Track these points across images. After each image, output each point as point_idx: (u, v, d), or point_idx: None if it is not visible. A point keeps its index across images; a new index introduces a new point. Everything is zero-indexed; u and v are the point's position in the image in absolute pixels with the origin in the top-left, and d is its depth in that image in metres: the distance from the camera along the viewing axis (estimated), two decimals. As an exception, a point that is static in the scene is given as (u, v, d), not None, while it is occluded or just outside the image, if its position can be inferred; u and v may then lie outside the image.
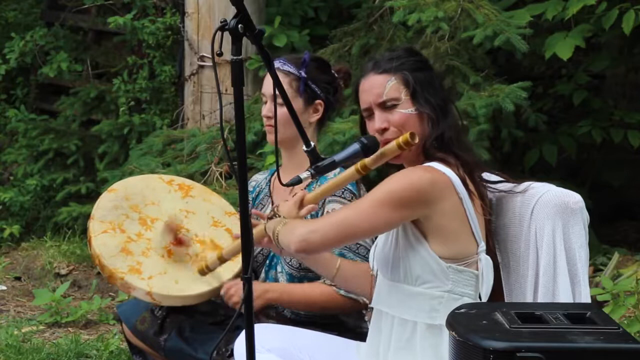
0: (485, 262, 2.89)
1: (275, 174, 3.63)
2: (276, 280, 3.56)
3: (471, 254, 2.87)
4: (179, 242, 3.62)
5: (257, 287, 3.47)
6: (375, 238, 3.10)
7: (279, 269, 3.56)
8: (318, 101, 3.55)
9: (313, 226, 2.87)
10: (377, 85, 2.93)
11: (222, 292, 3.51)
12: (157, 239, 3.62)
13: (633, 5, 5.37)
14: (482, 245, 2.89)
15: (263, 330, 3.03)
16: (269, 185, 3.69)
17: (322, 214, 3.44)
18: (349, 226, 2.82)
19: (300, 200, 3.03)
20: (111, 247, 3.53)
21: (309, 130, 3.52)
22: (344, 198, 3.45)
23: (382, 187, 2.83)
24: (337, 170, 3.44)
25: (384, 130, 2.92)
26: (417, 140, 2.84)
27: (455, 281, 2.85)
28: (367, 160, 2.93)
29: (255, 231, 3.06)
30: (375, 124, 2.93)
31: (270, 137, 3.52)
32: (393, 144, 2.87)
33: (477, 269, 2.88)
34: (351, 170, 2.98)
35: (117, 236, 3.57)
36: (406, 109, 2.90)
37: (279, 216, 3.04)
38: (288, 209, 3.04)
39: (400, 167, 2.99)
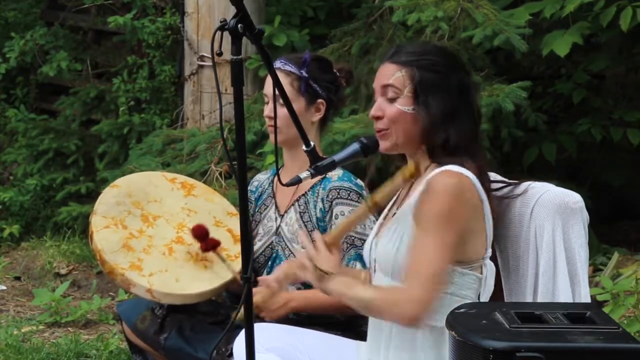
0: (489, 268, 2.88)
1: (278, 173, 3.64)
2: (277, 281, 3.56)
3: (478, 259, 2.85)
4: (210, 244, 3.59)
5: (280, 296, 3.47)
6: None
7: (280, 270, 3.56)
8: (320, 100, 3.55)
9: (406, 296, 2.76)
10: (386, 73, 2.91)
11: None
12: (160, 236, 3.62)
13: (631, 2, 5.38)
14: (489, 251, 2.87)
15: (263, 330, 3.02)
16: (272, 186, 3.69)
17: (331, 217, 3.45)
18: (433, 275, 2.75)
19: (326, 246, 2.98)
20: (113, 243, 3.53)
21: (311, 129, 3.53)
22: (351, 200, 3.45)
23: (429, 217, 2.76)
24: (339, 169, 3.45)
25: (377, 118, 2.91)
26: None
27: (458, 284, 2.84)
28: (377, 197, 2.96)
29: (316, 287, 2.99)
30: (372, 110, 2.93)
31: (273, 137, 3.52)
32: (399, 177, 2.89)
33: (481, 273, 2.86)
34: (362, 208, 3.02)
35: (119, 232, 3.58)
36: (403, 106, 2.88)
37: (326, 273, 2.93)
38: (328, 263, 2.96)
39: (402, 157, 3.00)
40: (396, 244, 2.86)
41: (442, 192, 2.77)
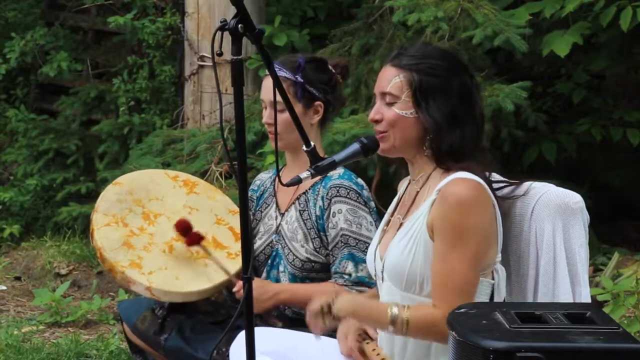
0: (501, 273, 2.86)
1: (280, 173, 3.64)
2: (278, 280, 3.57)
3: (490, 265, 2.83)
4: (193, 238, 3.59)
5: (269, 287, 3.48)
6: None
7: (281, 268, 3.56)
8: (317, 103, 3.55)
9: (441, 315, 2.69)
10: (386, 78, 2.90)
11: (235, 289, 3.52)
12: (160, 234, 3.63)
13: (630, 2, 5.38)
14: (499, 256, 2.85)
15: (259, 333, 3.01)
16: (274, 185, 3.69)
17: (329, 214, 3.44)
18: (465, 289, 2.75)
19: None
20: (113, 241, 3.54)
21: (311, 131, 3.52)
22: (350, 198, 3.45)
23: (451, 230, 2.74)
24: (341, 168, 3.46)
25: (376, 121, 2.91)
26: None
27: (476, 292, 2.84)
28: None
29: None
30: (371, 112, 2.93)
31: (273, 143, 3.51)
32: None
33: (493, 279, 2.84)
34: None
35: (120, 230, 3.59)
36: (402, 110, 2.87)
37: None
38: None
39: (402, 160, 3.00)
40: (410, 256, 2.84)
41: (460, 204, 2.74)
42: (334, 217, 3.46)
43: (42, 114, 7.42)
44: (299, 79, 3.51)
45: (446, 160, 2.85)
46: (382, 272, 2.95)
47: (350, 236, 3.44)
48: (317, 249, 3.49)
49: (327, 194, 3.47)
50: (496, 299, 2.86)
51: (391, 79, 2.89)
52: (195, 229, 3.61)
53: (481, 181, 2.80)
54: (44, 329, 5.30)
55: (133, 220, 3.64)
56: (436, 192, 2.81)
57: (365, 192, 3.50)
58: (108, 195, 3.68)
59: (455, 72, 2.89)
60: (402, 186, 3.11)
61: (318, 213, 3.49)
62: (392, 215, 3.03)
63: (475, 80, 2.96)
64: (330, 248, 3.47)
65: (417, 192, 2.93)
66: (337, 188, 3.47)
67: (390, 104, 2.89)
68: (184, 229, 3.59)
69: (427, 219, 2.81)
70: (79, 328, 5.32)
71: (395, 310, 2.77)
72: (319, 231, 3.49)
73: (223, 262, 3.59)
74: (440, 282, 2.77)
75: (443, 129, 2.84)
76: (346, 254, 3.43)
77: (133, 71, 6.89)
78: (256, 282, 3.47)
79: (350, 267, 3.43)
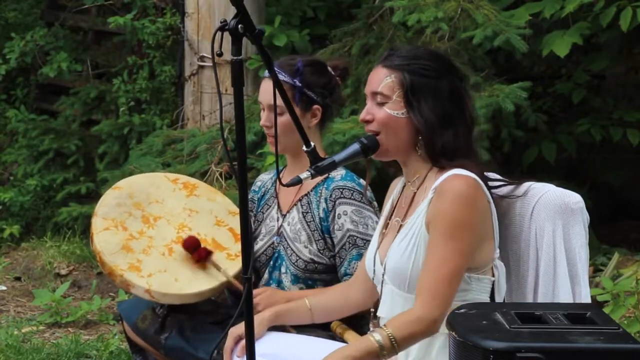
0: (500, 269, 2.87)
1: (281, 173, 3.64)
2: (280, 281, 3.56)
3: (489, 262, 2.84)
4: (202, 254, 3.60)
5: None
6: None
7: (283, 269, 3.56)
8: (316, 107, 3.53)
9: (428, 301, 2.74)
10: (377, 78, 2.90)
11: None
12: (160, 237, 3.63)
13: (630, 2, 5.39)
14: (498, 252, 2.86)
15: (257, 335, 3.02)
16: (275, 186, 3.68)
17: (334, 216, 3.44)
18: (450, 275, 2.75)
19: None
20: (112, 244, 3.55)
21: (309, 133, 3.49)
22: (354, 199, 3.44)
23: (443, 224, 2.76)
24: (342, 169, 3.45)
25: (367, 122, 2.91)
26: None
27: (476, 290, 2.83)
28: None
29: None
30: (362, 113, 2.93)
31: (272, 146, 3.50)
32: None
33: (493, 275, 2.85)
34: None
35: (119, 233, 3.59)
36: (393, 110, 2.87)
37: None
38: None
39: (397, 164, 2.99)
40: (411, 257, 2.85)
41: (457, 198, 2.76)
42: (339, 218, 3.45)
43: (42, 114, 7.42)
44: (298, 82, 3.48)
45: (440, 159, 2.86)
46: (383, 275, 2.95)
47: (357, 237, 3.43)
48: (321, 251, 3.49)
49: (331, 195, 3.47)
50: (497, 296, 2.87)
51: (382, 79, 2.89)
52: (194, 230, 3.63)
53: (476, 177, 2.81)
54: (44, 329, 5.30)
55: (132, 223, 3.64)
56: (432, 190, 2.82)
57: (368, 192, 3.50)
58: (107, 200, 3.69)
59: (446, 73, 2.90)
60: (395, 188, 3.11)
61: (322, 215, 3.49)
62: (389, 218, 3.03)
63: (465, 83, 2.97)
64: (337, 250, 3.47)
65: (414, 193, 2.93)
66: (341, 189, 3.46)
67: (381, 104, 2.89)
68: (192, 247, 3.60)
69: (425, 218, 2.82)
70: (79, 328, 5.32)
71: (376, 335, 2.76)
72: (323, 233, 3.48)
73: (223, 263, 3.60)
74: (429, 277, 2.77)
75: (435, 129, 2.84)
76: (355, 255, 3.43)
77: (133, 71, 6.89)
78: (267, 292, 3.48)
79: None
